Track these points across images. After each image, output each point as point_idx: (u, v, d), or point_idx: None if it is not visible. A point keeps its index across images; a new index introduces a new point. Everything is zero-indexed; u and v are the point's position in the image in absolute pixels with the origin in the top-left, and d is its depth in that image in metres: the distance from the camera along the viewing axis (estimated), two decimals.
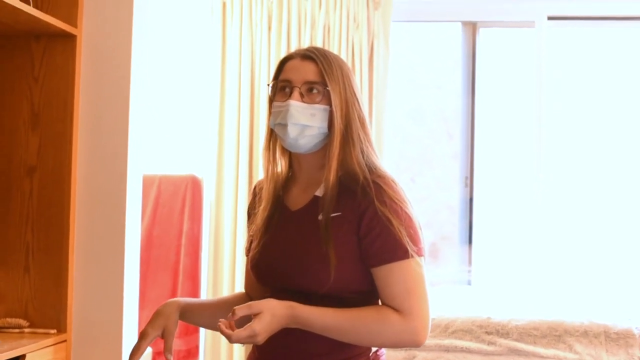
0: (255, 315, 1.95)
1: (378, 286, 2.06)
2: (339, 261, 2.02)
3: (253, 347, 2.21)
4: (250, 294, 2.32)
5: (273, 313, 1.96)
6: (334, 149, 2.08)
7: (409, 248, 2.02)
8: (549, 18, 5.17)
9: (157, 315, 2.17)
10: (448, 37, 5.62)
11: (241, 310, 1.94)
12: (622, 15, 5.18)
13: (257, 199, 2.27)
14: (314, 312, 1.99)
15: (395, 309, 2.02)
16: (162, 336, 2.16)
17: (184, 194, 5.00)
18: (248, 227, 2.31)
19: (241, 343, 1.95)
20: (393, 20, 4.93)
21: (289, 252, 2.10)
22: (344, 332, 2.01)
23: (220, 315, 2.19)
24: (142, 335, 2.15)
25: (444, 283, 5.33)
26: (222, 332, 1.93)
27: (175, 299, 2.23)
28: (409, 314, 2.01)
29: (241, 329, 1.93)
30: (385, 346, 2.09)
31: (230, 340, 1.93)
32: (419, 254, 2.05)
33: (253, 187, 2.35)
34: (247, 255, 2.31)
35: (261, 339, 1.94)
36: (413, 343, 2.04)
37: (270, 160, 2.19)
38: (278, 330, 2.00)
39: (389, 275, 2.03)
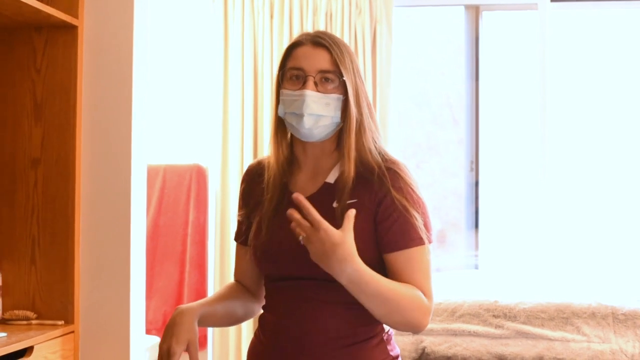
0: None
1: (393, 271, 2.06)
2: (357, 248, 2.02)
3: (257, 331, 2.20)
4: (242, 282, 2.29)
5: (354, 251, 1.94)
6: (350, 139, 2.08)
7: (423, 235, 2.05)
8: (552, 0, 5.14)
9: (177, 327, 2.07)
10: (451, 21, 5.61)
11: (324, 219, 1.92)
12: None
13: (253, 183, 2.24)
14: (372, 274, 1.96)
15: None
16: (187, 349, 2.07)
17: (189, 183, 5.01)
18: (242, 211, 2.27)
19: (311, 233, 1.92)
20: (395, 5, 4.91)
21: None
22: (387, 303, 1.99)
23: (227, 311, 2.21)
24: (171, 355, 2.05)
25: (451, 268, 5.33)
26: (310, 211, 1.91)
27: (185, 306, 2.13)
28: (428, 297, 2.04)
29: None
30: (403, 324, 2.04)
31: (313, 215, 1.91)
32: (430, 240, 2.08)
33: (246, 170, 2.31)
34: (237, 241, 2.29)
35: (328, 247, 1.91)
36: (423, 325, 2.05)
37: (279, 148, 2.17)
38: (290, 314, 2.04)
39: (407, 260, 2.05)
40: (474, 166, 5.40)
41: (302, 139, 2.13)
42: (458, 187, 5.55)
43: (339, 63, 2.08)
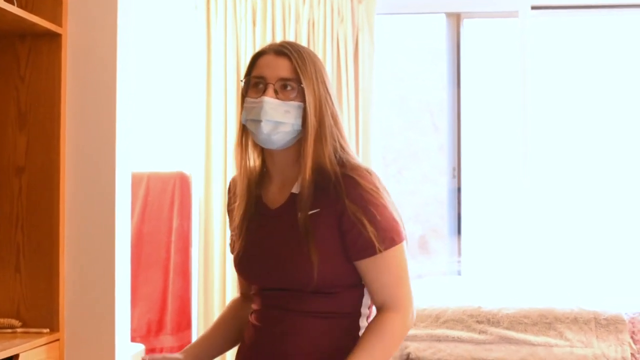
0: None
1: (366, 279, 2.08)
2: (321, 258, 2.03)
3: (243, 337, 2.21)
4: (245, 293, 2.32)
5: None
6: (307, 147, 2.08)
7: (376, 243, 2.03)
8: (533, 7, 5.18)
9: None
10: (432, 29, 5.64)
11: None
12: (606, 4, 5.20)
13: (232, 195, 2.25)
14: None
15: (383, 304, 2.07)
16: None
17: (172, 190, 5.01)
18: (230, 224, 2.30)
19: None
20: (377, 13, 4.94)
21: (271, 251, 2.11)
22: None
23: (226, 336, 2.28)
24: None
25: (434, 274, 5.35)
26: None
27: (171, 356, 2.21)
28: (399, 305, 2.06)
29: None
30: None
31: None
32: (396, 242, 2.07)
33: (228, 184, 2.33)
34: (232, 253, 2.32)
35: None
36: (408, 331, 2.10)
37: (243, 156, 2.18)
38: (269, 323, 2.08)
39: (377, 266, 2.06)
40: (456, 172, 5.42)
41: (263, 146, 2.14)
42: (439, 194, 5.57)
43: (299, 71, 2.09)
